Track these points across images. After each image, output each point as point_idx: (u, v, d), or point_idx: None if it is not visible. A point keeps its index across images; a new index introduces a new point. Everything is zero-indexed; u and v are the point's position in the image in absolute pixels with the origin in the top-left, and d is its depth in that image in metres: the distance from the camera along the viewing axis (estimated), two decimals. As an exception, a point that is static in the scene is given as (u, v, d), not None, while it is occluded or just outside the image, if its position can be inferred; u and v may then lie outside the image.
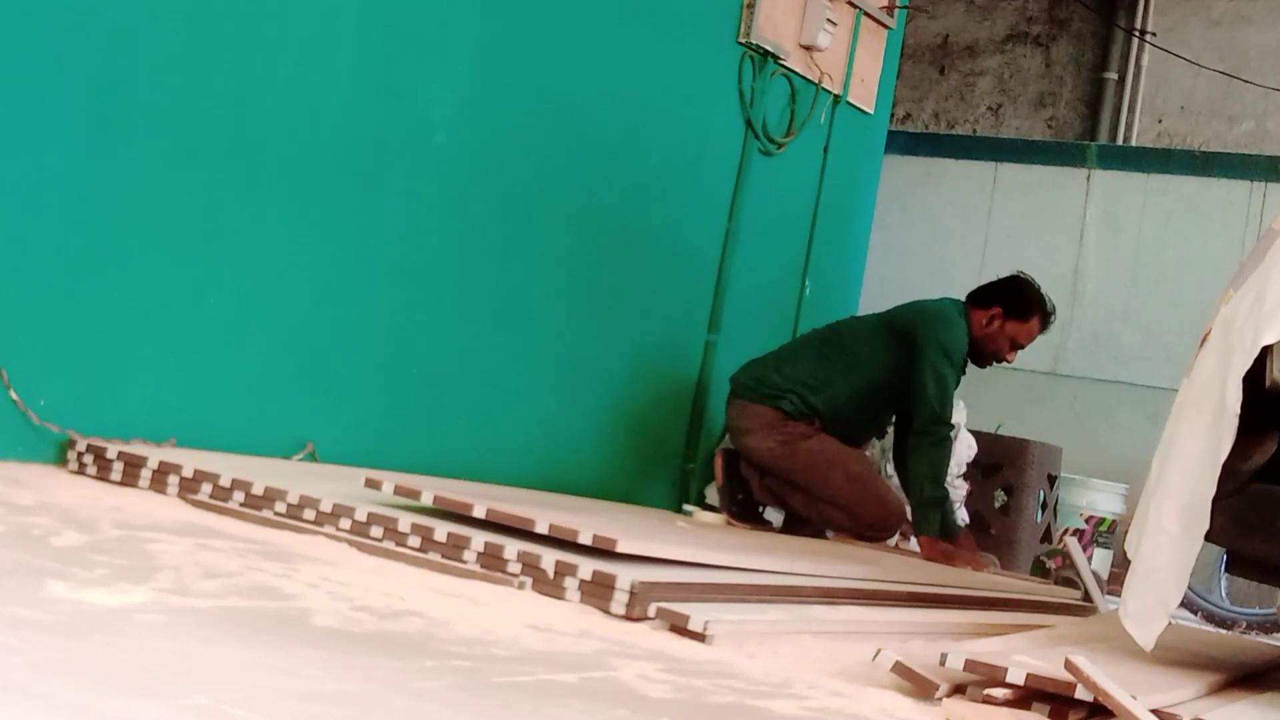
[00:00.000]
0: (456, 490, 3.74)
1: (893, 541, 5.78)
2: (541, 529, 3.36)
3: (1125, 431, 9.23)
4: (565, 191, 5.46)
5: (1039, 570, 5.70)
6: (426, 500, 3.54)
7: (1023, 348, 5.68)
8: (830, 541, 5.53)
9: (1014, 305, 5.61)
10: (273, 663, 2.10)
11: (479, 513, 3.45)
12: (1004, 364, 5.72)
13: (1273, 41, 10.12)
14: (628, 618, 3.08)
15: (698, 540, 3.98)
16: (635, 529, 3.83)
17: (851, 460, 5.59)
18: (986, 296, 5.66)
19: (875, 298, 6.09)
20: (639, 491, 5.97)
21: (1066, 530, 7.75)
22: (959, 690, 2.79)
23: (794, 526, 5.71)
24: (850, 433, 5.65)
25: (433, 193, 4.92)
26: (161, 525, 3.21)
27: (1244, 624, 7.79)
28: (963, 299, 5.72)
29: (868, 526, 5.54)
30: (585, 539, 3.31)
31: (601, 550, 3.30)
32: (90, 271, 3.96)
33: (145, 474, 3.75)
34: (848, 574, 4.05)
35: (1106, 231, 9.77)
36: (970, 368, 5.71)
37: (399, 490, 3.59)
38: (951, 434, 5.49)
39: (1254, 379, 3.04)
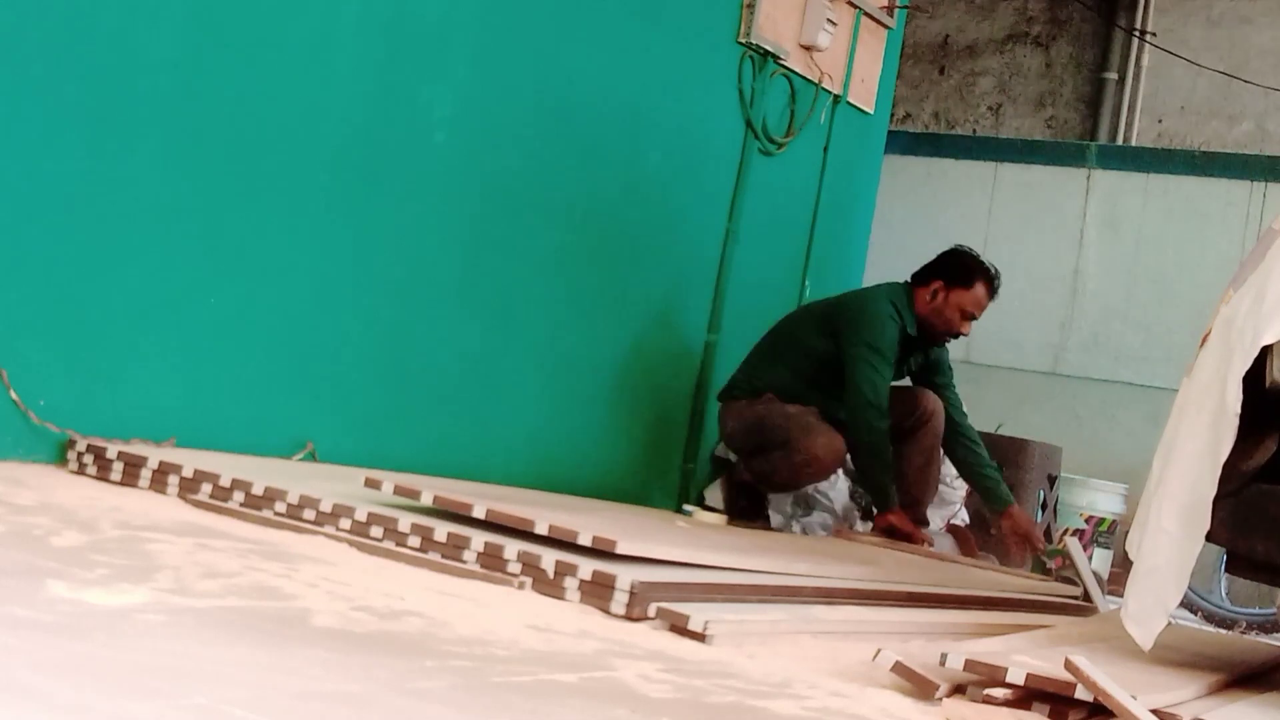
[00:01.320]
0: (456, 490, 3.73)
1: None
2: (541, 530, 3.36)
3: (1125, 431, 9.23)
4: (565, 191, 5.46)
5: (1039, 569, 5.70)
6: (426, 500, 3.54)
7: (975, 317, 5.68)
8: (829, 539, 5.53)
9: (954, 275, 5.64)
10: (273, 663, 2.10)
11: (479, 513, 3.45)
12: (960, 336, 5.72)
13: (1273, 41, 10.12)
14: (628, 618, 3.08)
15: (697, 541, 3.98)
16: (635, 529, 3.83)
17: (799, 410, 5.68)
18: (925, 274, 5.72)
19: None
20: (639, 491, 5.97)
21: (1066, 530, 7.74)
22: (959, 690, 2.79)
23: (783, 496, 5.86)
24: (806, 403, 5.73)
25: (432, 193, 4.92)
26: (161, 525, 3.21)
27: (1244, 624, 7.79)
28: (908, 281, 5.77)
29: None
30: (585, 540, 3.30)
31: (601, 550, 3.30)
32: (90, 271, 3.96)
33: (145, 474, 3.75)
34: (847, 574, 4.04)
35: (1106, 231, 9.77)
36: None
37: (399, 490, 3.59)
38: (881, 415, 5.50)
39: (1254, 379, 3.04)
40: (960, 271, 5.64)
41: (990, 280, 5.67)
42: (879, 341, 5.51)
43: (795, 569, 3.86)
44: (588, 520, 3.55)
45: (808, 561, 4.05)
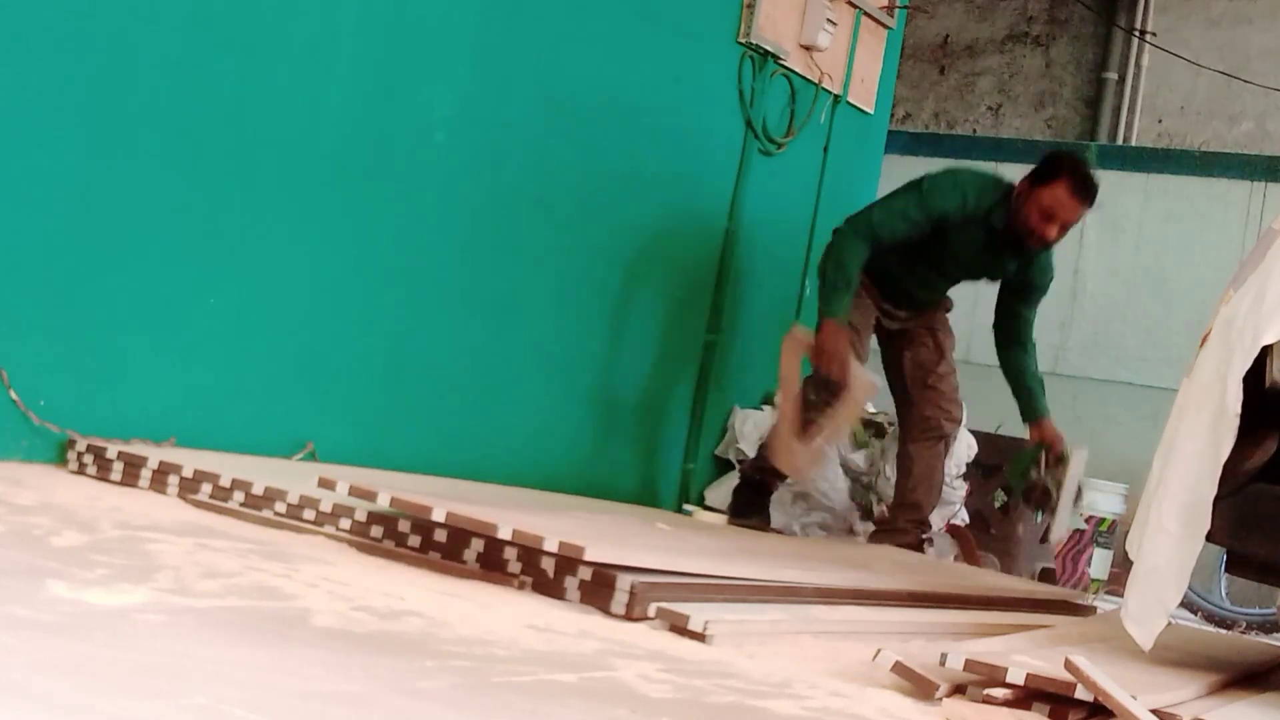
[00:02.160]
0: (426, 492, 3.63)
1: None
2: (504, 534, 3.24)
3: (1125, 431, 9.23)
4: (565, 191, 5.46)
5: (1027, 461, 5.75)
6: (383, 502, 3.39)
7: (1057, 219, 5.20)
8: (820, 542, 5.51)
9: (1039, 172, 5.24)
10: (273, 663, 2.10)
11: (438, 516, 3.32)
12: (1050, 243, 5.29)
13: (1273, 41, 10.12)
14: (628, 618, 3.08)
15: (676, 546, 3.86)
16: (613, 532, 3.78)
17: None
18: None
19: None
20: (640, 491, 5.97)
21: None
22: (959, 690, 2.79)
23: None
24: (886, 281, 5.56)
25: (432, 193, 4.92)
26: (161, 525, 3.21)
27: (1244, 624, 7.79)
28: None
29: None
30: (550, 546, 3.19)
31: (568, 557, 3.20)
32: (90, 271, 3.96)
33: (145, 474, 3.75)
34: (833, 581, 3.97)
35: (1106, 231, 9.77)
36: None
37: (354, 491, 3.44)
38: (865, 236, 5.27)
39: (1254, 379, 3.04)
40: (1045, 167, 5.23)
41: (1078, 178, 5.17)
42: (930, 196, 5.26)
43: (778, 576, 3.74)
44: (556, 524, 3.46)
45: (794, 568, 3.93)
